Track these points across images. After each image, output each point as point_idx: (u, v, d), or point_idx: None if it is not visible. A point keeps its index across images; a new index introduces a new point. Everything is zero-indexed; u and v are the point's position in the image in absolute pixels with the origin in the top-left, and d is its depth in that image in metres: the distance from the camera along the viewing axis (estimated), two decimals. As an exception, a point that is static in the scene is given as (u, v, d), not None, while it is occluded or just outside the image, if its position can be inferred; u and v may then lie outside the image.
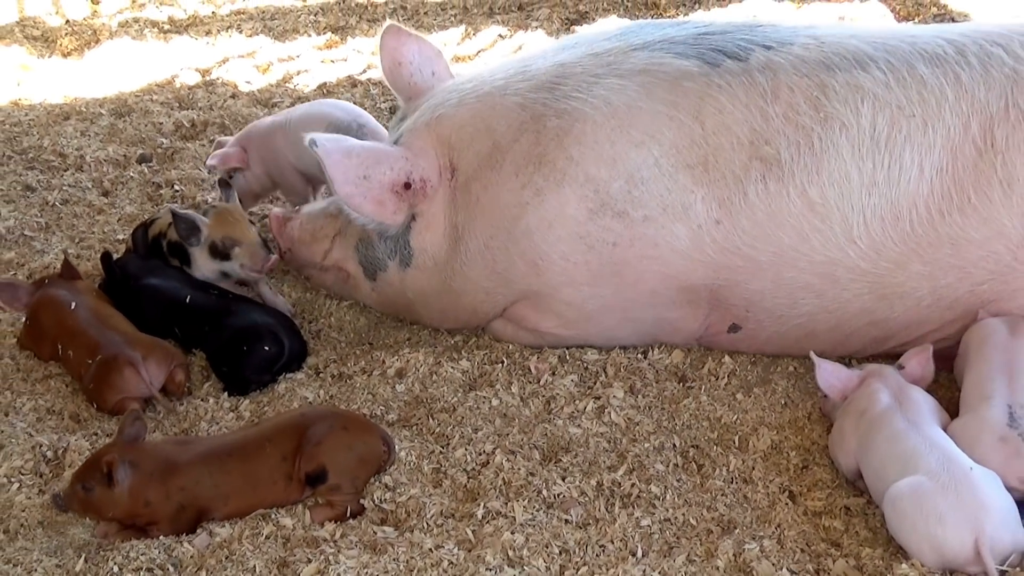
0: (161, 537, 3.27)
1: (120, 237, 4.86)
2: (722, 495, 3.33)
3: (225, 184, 4.39)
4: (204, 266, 4.24)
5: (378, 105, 5.94)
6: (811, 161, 3.50)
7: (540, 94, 3.73)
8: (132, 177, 5.43)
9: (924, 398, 3.37)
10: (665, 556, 3.13)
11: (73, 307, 4.01)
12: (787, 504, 3.29)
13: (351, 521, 3.31)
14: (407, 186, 3.77)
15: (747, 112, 3.56)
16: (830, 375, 3.46)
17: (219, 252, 4.19)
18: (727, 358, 3.89)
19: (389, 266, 3.94)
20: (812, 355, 3.50)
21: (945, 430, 3.25)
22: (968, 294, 3.54)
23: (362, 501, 3.37)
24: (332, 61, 6.71)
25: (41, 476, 3.60)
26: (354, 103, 5.66)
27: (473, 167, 3.76)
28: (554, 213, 3.65)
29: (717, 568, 3.07)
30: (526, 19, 7.01)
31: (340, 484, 3.34)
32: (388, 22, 4.16)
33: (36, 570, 3.18)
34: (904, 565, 2.99)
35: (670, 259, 3.62)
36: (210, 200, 5.12)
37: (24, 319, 4.18)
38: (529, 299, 3.84)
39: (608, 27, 4.10)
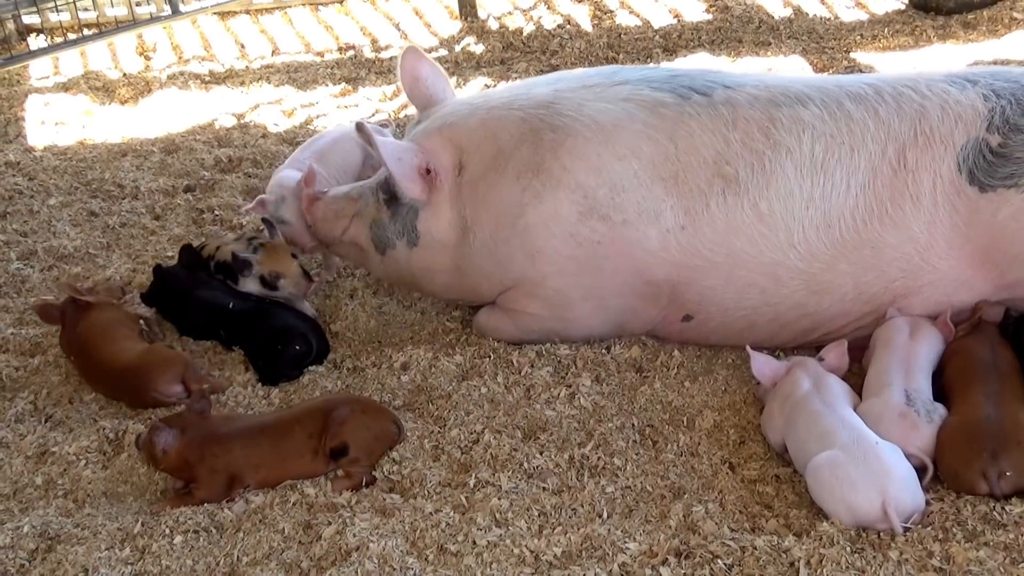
0: (205, 505, 3.27)
1: (169, 254, 4.85)
2: (673, 466, 3.33)
3: (270, 224, 4.33)
4: (252, 289, 4.20)
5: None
6: (762, 179, 3.54)
7: (539, 110, 3.73)
8: (179, 204, 5.43)
9: (839, 384, 3.38)
10: (626, 517, 3.14)
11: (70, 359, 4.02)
12: (727, 473, 3.29)
13: (364, 490, 3.31)
14: (428, 171, 3.75)
15: (712, 137, 3.58)
16: (763, 365, 3.46)
17: (267, 283, 4.18)
18: (676, 352, 3.89)
19: (397, 244, 3.89)
20: (748, 348, 3.51)
21: (855, 411, 3.27)
22: (883, 290, 3.57)
23: (373, 473, 3.38)
24: (346, 107, 6.70)
25: (104, 454, 3.60)
26: (365, 142, 5.67)
27: (480, 168, 3.74)
28: (549, 214, 3.64)
29: (669, 527, 3.07)
30: (507, 71, 7.01)
31: (359, 458, 3.36)
32: (404, 48, 4.17)
33: (100, 532, 3.18)
34: (825, 524, 2.99)
35: (641, 257, 3.62)
36: (244, 223, 5.12)
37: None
38: (522, 285, 3.81)
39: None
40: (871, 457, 3.00)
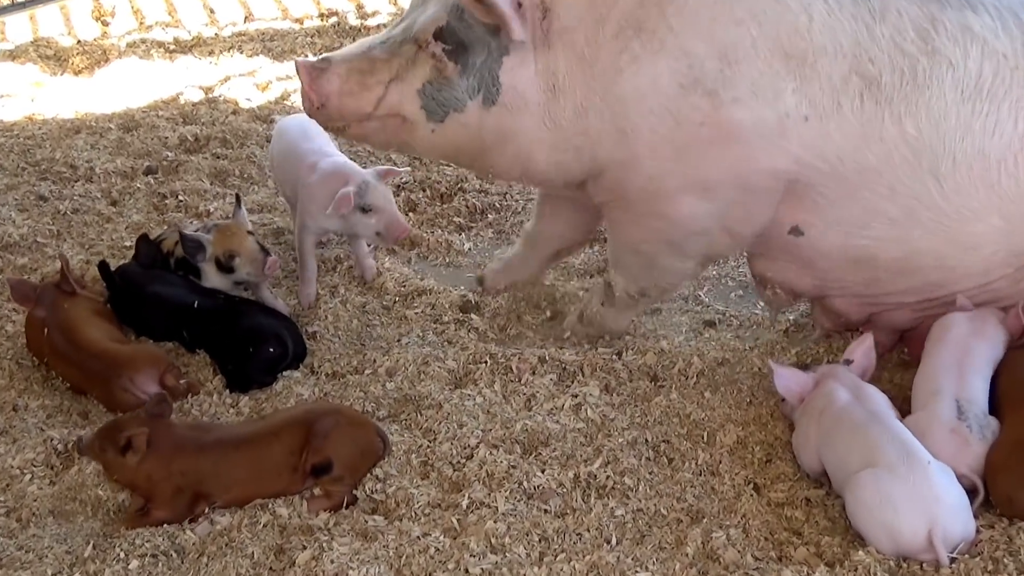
0: (165, 525, 3.26)
1: (127, 244, 4.84)
2: (691, 487, 3.33)
3: (238, 200, 4.34)
4: (215, 279, 4.22)
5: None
6: (912, 92, 3.27)
7: None
8: (139, 188, 5.42)
9: (879, 394, 3.36)
10: (637, 544, 3.13)
11: (46, 333, 3.99)
12: (752, 495, 3.29)
13: (343, 510, 3.30)
14: (520, 4, 3.38)
15: (854, 23, 3.29)
16: (788, 379, 3.44)
17: (223, 266, 4.18)
18: (696, 359, 3.90)
19: (468, 105, 3.50)
20: (770, 362, 3.49)
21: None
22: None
23: (355, 492, 3.37)
24: (327, 80, 6.69)
25: (52, 468, 3.59)
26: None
27: (572, 12, 3.39)
28: (647, 84, 3.35)
29: (686, 555, 3.06)
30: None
31: (342, 476, 3.34)
32: None
33: (47, 556, 3.17)
34: (861, 552, 2.99)
35: (755, 143, 3.34)
36: (212, 210, 5.12)
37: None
38: (610, 170, 3.53)
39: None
40: (920, 478, 2.98)
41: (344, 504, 3.33)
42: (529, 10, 3.37)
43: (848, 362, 3.48)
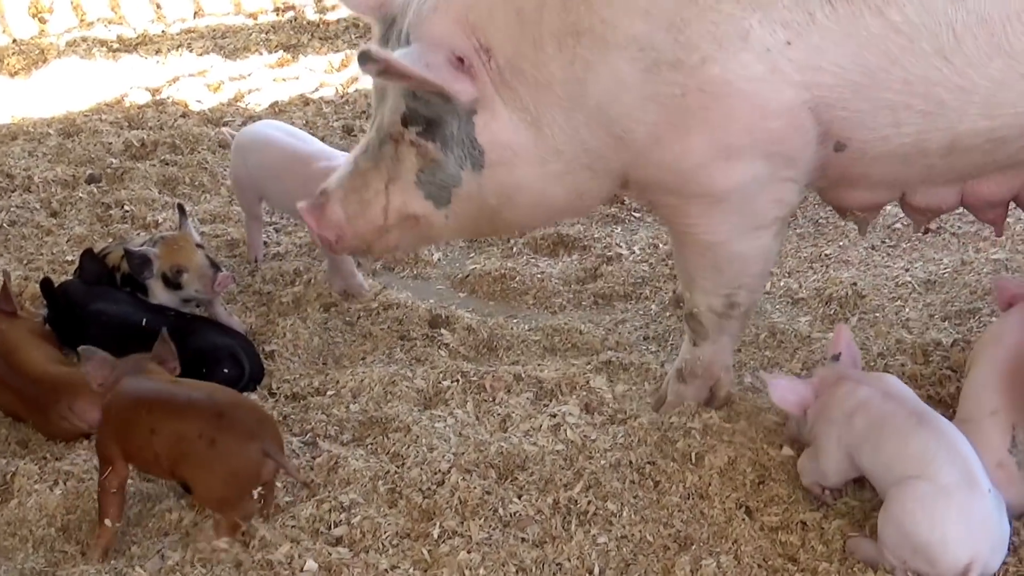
0: (112, 561, 3.26)
1: (69, 259, 4.84)
2: (679, 511, 3.33)
3: (182, 210, 4.37)
4: (163, 296, 4.24)
5: (331, 123, 5.97)
6: None
7: None
8: (81, 198, 5.42)
9: (907, 389, 3.30)
10: (622, 573, 3.14)
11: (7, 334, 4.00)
12: (744, 520, 3.29)
13: (306, 542, 3.27)
14: (461, 60, 3.33)
15: None
16: (784, 390, 3.39)
17: (171, 282, 4.20)
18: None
19: (463, 177, 3.44)
20: (762, 374, 3.48)
21: None
22: None
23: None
24: (284, 79, 6.72)
25: (-11, 501, 3.59)
26: (307, 122, 5.70)
27: (508, 45, 3.31)
28: (612, 84, 3.26)
29: (675, 585, 3.08)
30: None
31: (206, 503, 3.32)
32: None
33: (-15, 596, 3.17)
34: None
35: (750, 89, 3.22)
36: (160, 220, 5.12)
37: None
38: (633, 175, 3.45)
39: None
40: (978, 508, 2.95)
41: (242, 526, 3.30)
42: (474, 59, 3.32)
43: (836, 357, 3.44)
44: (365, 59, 3.18)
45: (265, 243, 5.00)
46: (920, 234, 4.67)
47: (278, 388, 4.02)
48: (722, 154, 3.33)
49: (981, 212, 3.68)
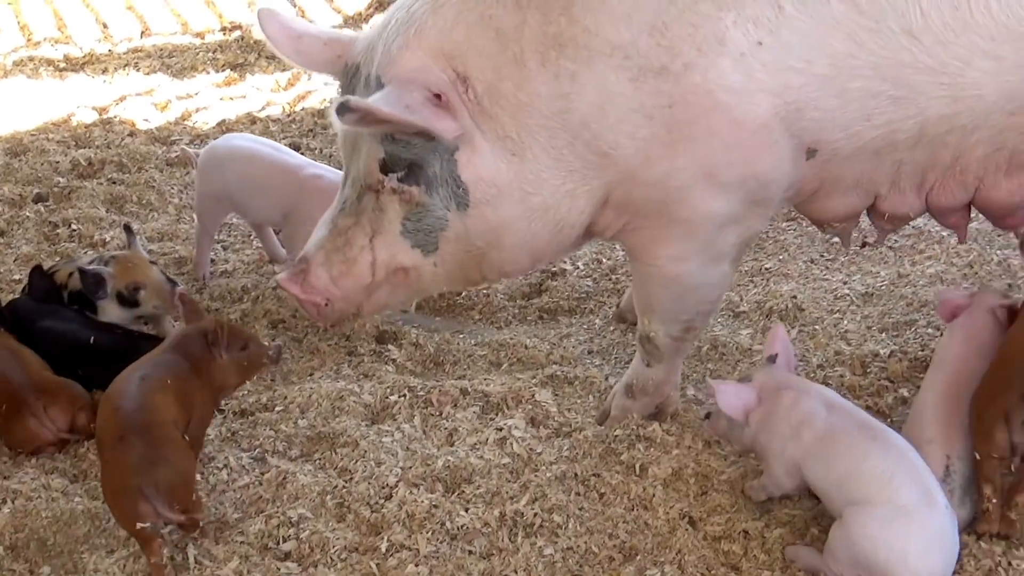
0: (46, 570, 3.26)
1: (16, 277, 4.82)
2: (623, 522, 3.34)
3: (129, 230, 4.38)
4: (115, 314, 4.23)
5: (278, 142, 5.94)
6: None
7: None
8: (28, 217, 5.39)
9: (849, 404, 3.30)
10: (568, 584, 3.16)
11: None
12: (687, 529, 3.30)
13: (255, 558, 3.28)
14: (439, 97, 3.19)
15: None
16: (732, 396, 3.34)
17: (127, 300, 4.20)
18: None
19: (449, 219, 3.31)
20: (709, 380, 3.47)
21: None
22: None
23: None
24: (231, 98, 6.70)
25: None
26: (253, 140, 5.66)
27: (488, 69, 3.21)
28: (599, 95, 3.17)
29: (619, 594, 3.09)
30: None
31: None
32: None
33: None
34: (800, 585, 3.03)
35: (728, 100, 3.16)
36: (108, 239, 5.10)
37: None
38: (615, 198, 3.36)
39: None
40: (936, 525, 2.98)
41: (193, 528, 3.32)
42: (452, 93, 3.21)
43: (772, 359, 3.43)
44: (344, 110, 3.05)
45: (212, 261, 4.99)
46: (858, 248, 4.72)
47: (226, 404, 3.98)
48: (705, 176, 3.28)
49: (944, 217, 3.65)
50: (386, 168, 3.27)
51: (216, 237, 5.13)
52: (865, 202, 3.55)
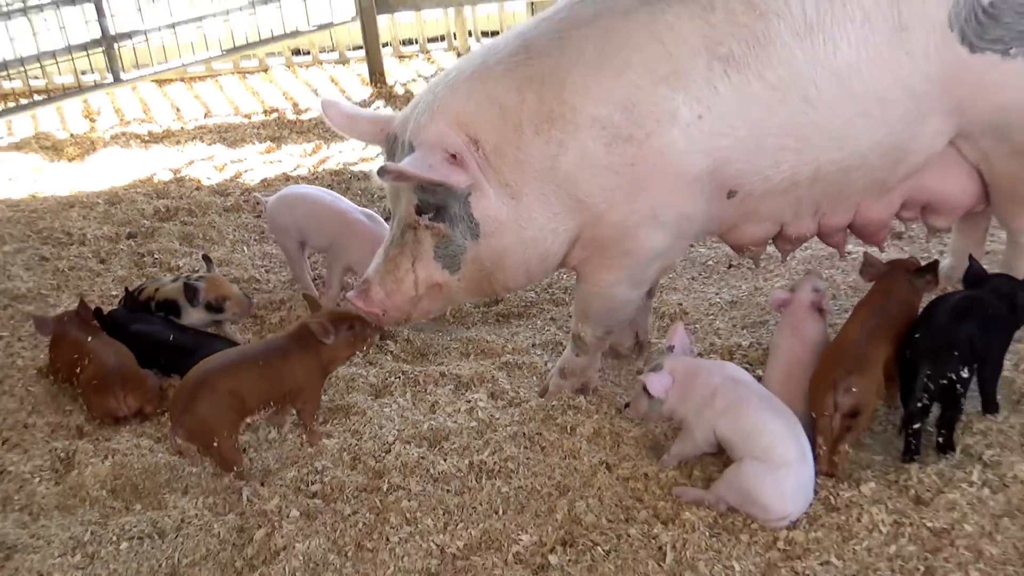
0: (148, 513, 3.21)
1: (114, 294, 4.77)
2: (558, 468, 3.34)
3: (208, 260, 4.40)
4: (194, 319, 4.20)
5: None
6: (761, 52, 3.11)
7: (519, 57, 3.21)
8: (122, 249, 5.34)
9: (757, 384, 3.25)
10: (519, 513, 3.15)
11: (88, 341, 3.92)
12: (605, 472, 3.30)
13: (291, 497, 3.26)
14: (455, 156, 3.17)
15: (691, 23, 3.13)
16: (658, 382, 3.24)
17: (214, 308, 4.19)
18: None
19: (467, 246, 3.28)
20: (641, 377, 3.33)
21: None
22: (893, 147, 3.32)
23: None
24: (271, 162, 6.65)
25: (56, 472, 3.52)
26: (287, 192, 5.61)
27: (494, 134, 3.19)
28: (580, 157, 3.16)
29: (556, 520, 3.09)
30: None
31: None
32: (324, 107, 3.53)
33: (54, 541, 3.11)
34: (687, 513, 3.04)
35: (676, 160, 3.17)
36: (181, 265, 5.06)
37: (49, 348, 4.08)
38: (583, 234, 3.34)
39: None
40: (806, 475, 3.00)
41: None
42: (465, 152, 3.18)
43: (671, 348, 3.37)
44: (383, 172, 3.07)
45: (257, 280, 4.94)
46: (726, 268, 4.74)
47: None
48: (651, 216, 3.28)
49: (828, 237, 3.69)
50: (420, 211, 3.25)
51: (258, 264, 5.09)
52: (774, 229, 3.57)
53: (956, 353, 3.12)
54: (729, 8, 3.13)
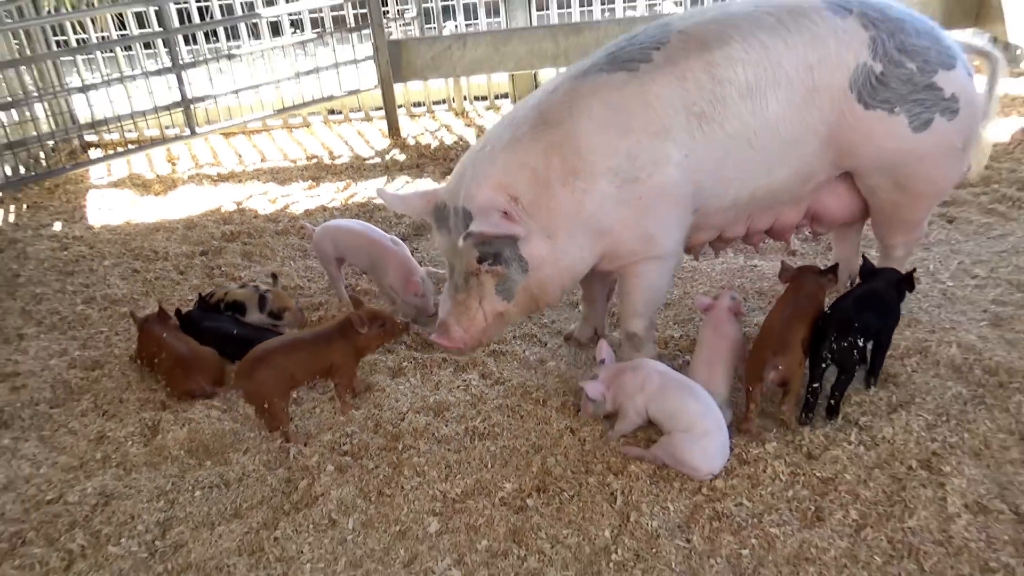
0: (217, 469, 3.21)
1: (190, 298, 4.76)
2: (534, 432, 3.35)
3: (275, 277, 4.40)
4: (255, 319, 4.21)
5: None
6: (721, 108, 3.19)
7: (539, 129, 3.20)
8: (196, 264, 5.32)
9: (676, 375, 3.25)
10: (503, 466, 3.17)
11: (164, 336, 3.92)
12: (570, 435, 3.32)
13: (327, 455, 3.26)
14: (506, 213, 3.16)
15: (671, 90, 3.18)
16: (595, 388, 3.29)
17: (275, 315, 4.21)
18: (535, 359, 3.93)
19: (518, 281, 3.26)
20: (580, 384, 3.33)
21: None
22: (806, 176, 3.43)
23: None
24: (312, 196, 6.64)
25: (145, 436, 3.51)
26: (325, 220, 5.61)
27: (530, 190, 3.17)
28: (600, 198, 3.17)
29: (532, 472, 3.10)
30: (420, 172, 7.01)
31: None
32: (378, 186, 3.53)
33: (143, 491, 3.13)
34: (632, 466, 3.05)
35: (672, 190, 3.23)
36: (242, 275, 5.06)
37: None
38: (609, 251, 3.33)
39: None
40: (722, 440, 3.00)
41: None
42: (511, 207, 3.16)
43: (602, 361, 3.38)
44: (469, 237, 3.07)
45: (300, 287, 4.95)
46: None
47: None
48: (662, 228, 3.30)
49: (751, 238, 3.74)
50: (481, 260, 3.22)
51: (301, 275, 5.09)
52: (716, 234, 3.64)
53: (857, 325, 3.16)
54: (696, 78, 3.19)
